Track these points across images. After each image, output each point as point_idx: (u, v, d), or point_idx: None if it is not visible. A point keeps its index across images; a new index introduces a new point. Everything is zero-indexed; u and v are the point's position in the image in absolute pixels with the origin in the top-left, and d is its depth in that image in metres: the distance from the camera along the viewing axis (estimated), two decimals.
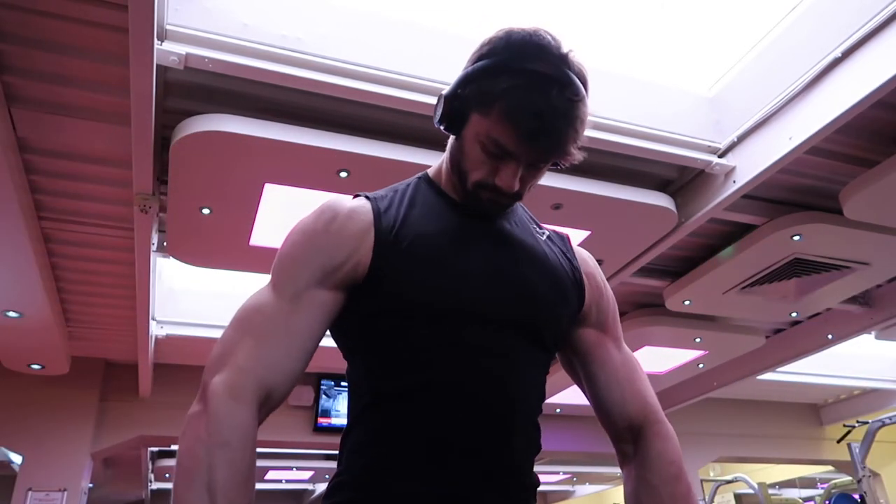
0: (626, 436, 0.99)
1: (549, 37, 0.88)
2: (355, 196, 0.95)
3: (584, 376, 1.02)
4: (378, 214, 0.90)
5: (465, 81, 0.89)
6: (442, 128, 0.93)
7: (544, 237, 1.03)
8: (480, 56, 0.90)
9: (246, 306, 0.88)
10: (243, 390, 0.79)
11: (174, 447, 7.30)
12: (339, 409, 5.44)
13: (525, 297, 0.91)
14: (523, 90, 0.83)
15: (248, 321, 0.85)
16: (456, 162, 0.93)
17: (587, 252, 1.10)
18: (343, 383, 5.46)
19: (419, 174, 1.02)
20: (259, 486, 10.91)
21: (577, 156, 0.90)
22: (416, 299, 0.87)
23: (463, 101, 0.88)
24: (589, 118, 0.88)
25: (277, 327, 0.84)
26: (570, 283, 0.98)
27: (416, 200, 0.95)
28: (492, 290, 0.89)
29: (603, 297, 1.04)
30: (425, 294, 0.87)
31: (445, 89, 0.92)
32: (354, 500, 0.83)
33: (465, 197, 0.93)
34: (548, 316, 0.94)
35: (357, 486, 0.84)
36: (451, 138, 0.95)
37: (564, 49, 0.88)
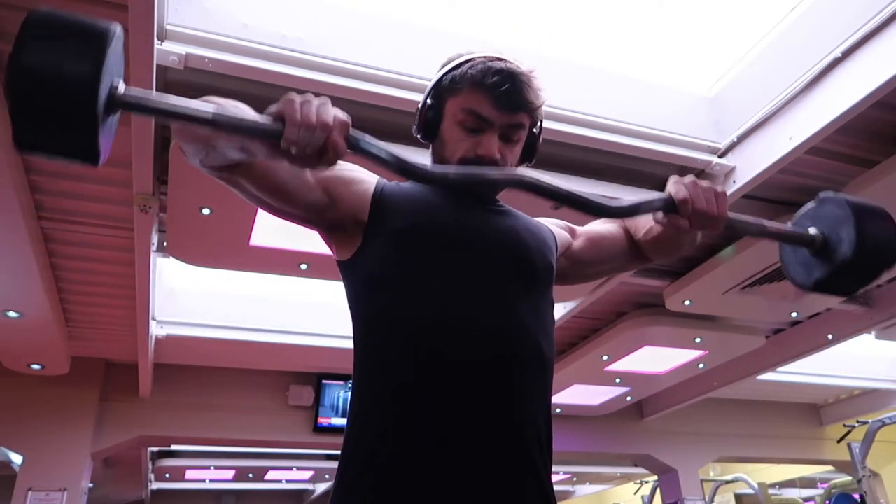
0: (632, 243, 1.17)
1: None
2: None
3: (586, 261, 1.18)
4: (379, 181, 1.02)
5: (433, 88, 1.04)
6: (420, 136, 1.06)
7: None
8: (442, 70, 1.05)
9: None
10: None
11: (174, 447, 7.31)
12: (339, 409, 5.44)
13: (519, 247, 1.00)
14: (485, 64, 0.99)
15: None
16: (439, 157, 1.03)
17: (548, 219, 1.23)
18: (343, 382, 5.47)
19: None
20: (259, 486, 10.85)
21: (541, 115, 1.05)
22: (415, 242, 0.94)
23: (435, 101, 1.03)
24: (545, 104, 1.03)
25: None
26: (548, 236, 1.11)
27: (411, 185, 1.04)
28: (488, 238, 0.98)
29: (561, 227, 1.19)
30: (423, 237, 0.94)
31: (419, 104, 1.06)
32: (362, 485, 0.82)
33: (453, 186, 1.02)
34: (540, 260, 1.02)
35: (367, 463, 0.83)
36: (432, 145, 1.06)
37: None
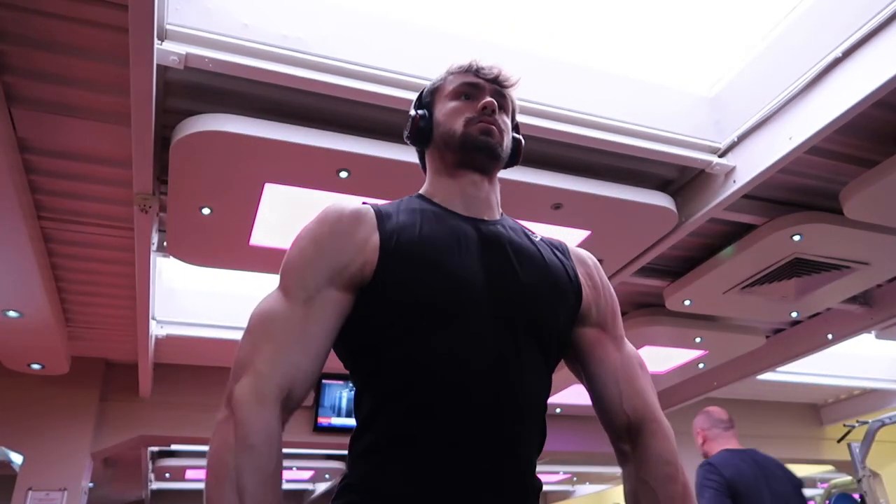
0: (624, 435, 0.99)
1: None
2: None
3: (585, 375, 1.03)
4: (381, 218, 0.95)
5: (418, 97, 1.13)
6: (414, 142, 1.10)
7: (538, 239, 1.07)
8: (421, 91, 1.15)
9: (260, 312, 0.89)
10: (266, 395, 0.81)
11: (174, 447, 7.30)
12: (339, 409, 5.44)
13: (523, 296, 0.94)
14: (462, 62, 1.10)
15: (264, 327, 0.88)
16: (441, 141, 1.05)
17: (587, 252, 1.12)
18: (343, 382, 5.47)
19: (412, 195, 1.09)
20: None
21: (516, 104, 1.12)
22: (418, 300, 0.89)
23: (423, 109, 1.09)
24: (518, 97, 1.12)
25: (294, 331, 0.86)
26: (566, 282, 1.01)
27: (414, 209, 1.01)
28: (490, 290, 0.92)
29: (601, 297, 1.06)
30: (427, 295, 0.90)
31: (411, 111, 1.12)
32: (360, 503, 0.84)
33: (462, 146, 1.03)
34: (546, 314, 0.96)
35: (363, 489, 0.85)
36: (427, 150, 1.10)
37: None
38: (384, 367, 0.88)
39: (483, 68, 1.06)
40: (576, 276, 1.04)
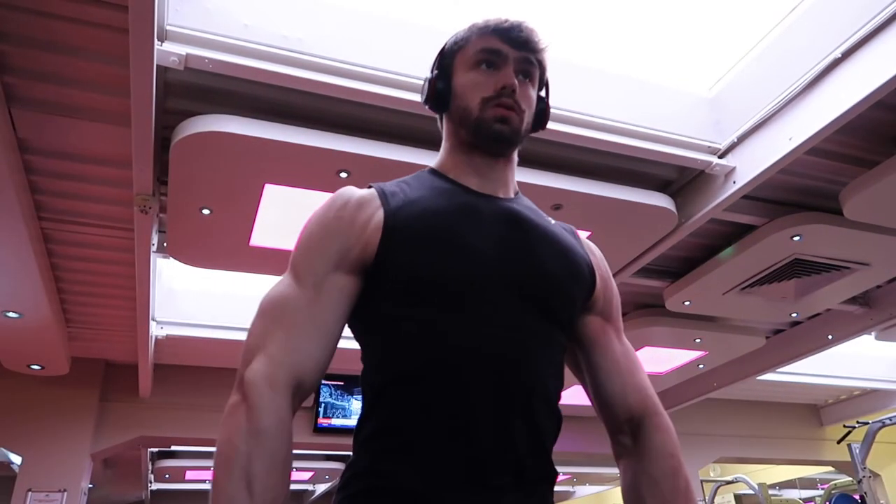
0: (626, 427, 0.98)
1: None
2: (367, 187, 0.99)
3: (586, 365, 1.01)
4: (385, 198, 0.93)
5: (437, 59, 1.05)
6: (431, 107, 1.03)
7: (553, 222, 1.04)
8: (444, 45, 1.06)
9: (271, 297, 0.89)
10: (278, 380, 0.80)
11: (174, 448, 7.30)
12: (339, 410, 5.44)
13: (537, 274, 0.92)
14: (487, 19, 1.00)
15: (275, 312, 0.87)
16: (457, 116, 0.99)
17: (593, 244, 1.12)
18: (343, 383, 5.46)
19: (425, 169, 1.05)
20: None
21: (546, 67, 1.02)
22: (426, 277, 0.87)
23: (441, 70, 1.02)
24: (548, 54, 1.01)
25: (304, 317, 0.86)
26: (582, 266, 0.99)
27: (424, 185, 0.98)
28: (503, 266, 0.90)
29: (608, 287, 1.05)
30: (434, 271, 0.87)
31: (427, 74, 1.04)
32: (368, 489, 0.82)
33: (475, 132, 0.96)
34: (561, 294, 0.94)
35: (371, 474, 0.82)
36: (444, 117, 1.04)
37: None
38: (390, 347, 0.87)
39: (511, 30, 0.97)
40: (590, 262, 1.03)
